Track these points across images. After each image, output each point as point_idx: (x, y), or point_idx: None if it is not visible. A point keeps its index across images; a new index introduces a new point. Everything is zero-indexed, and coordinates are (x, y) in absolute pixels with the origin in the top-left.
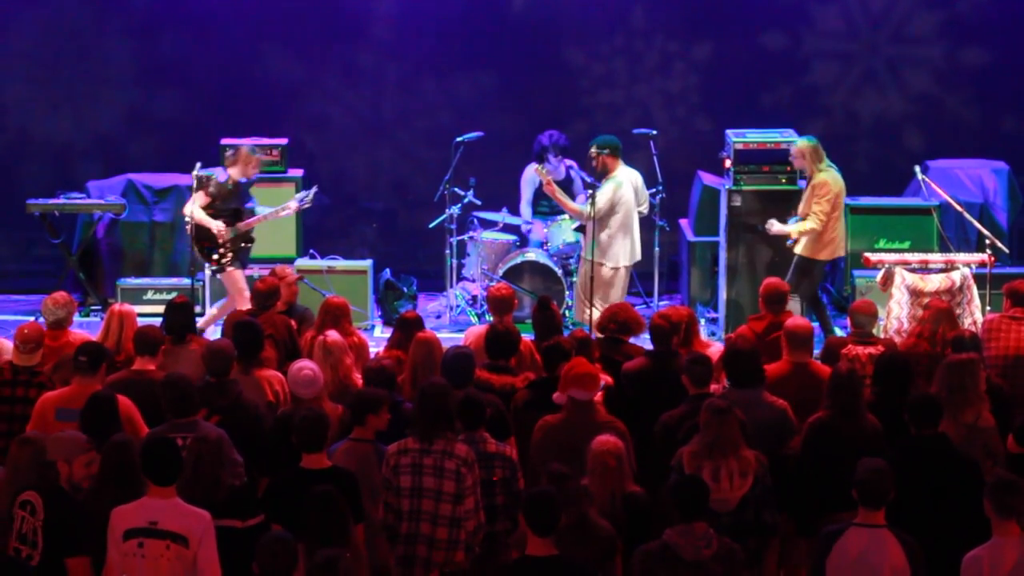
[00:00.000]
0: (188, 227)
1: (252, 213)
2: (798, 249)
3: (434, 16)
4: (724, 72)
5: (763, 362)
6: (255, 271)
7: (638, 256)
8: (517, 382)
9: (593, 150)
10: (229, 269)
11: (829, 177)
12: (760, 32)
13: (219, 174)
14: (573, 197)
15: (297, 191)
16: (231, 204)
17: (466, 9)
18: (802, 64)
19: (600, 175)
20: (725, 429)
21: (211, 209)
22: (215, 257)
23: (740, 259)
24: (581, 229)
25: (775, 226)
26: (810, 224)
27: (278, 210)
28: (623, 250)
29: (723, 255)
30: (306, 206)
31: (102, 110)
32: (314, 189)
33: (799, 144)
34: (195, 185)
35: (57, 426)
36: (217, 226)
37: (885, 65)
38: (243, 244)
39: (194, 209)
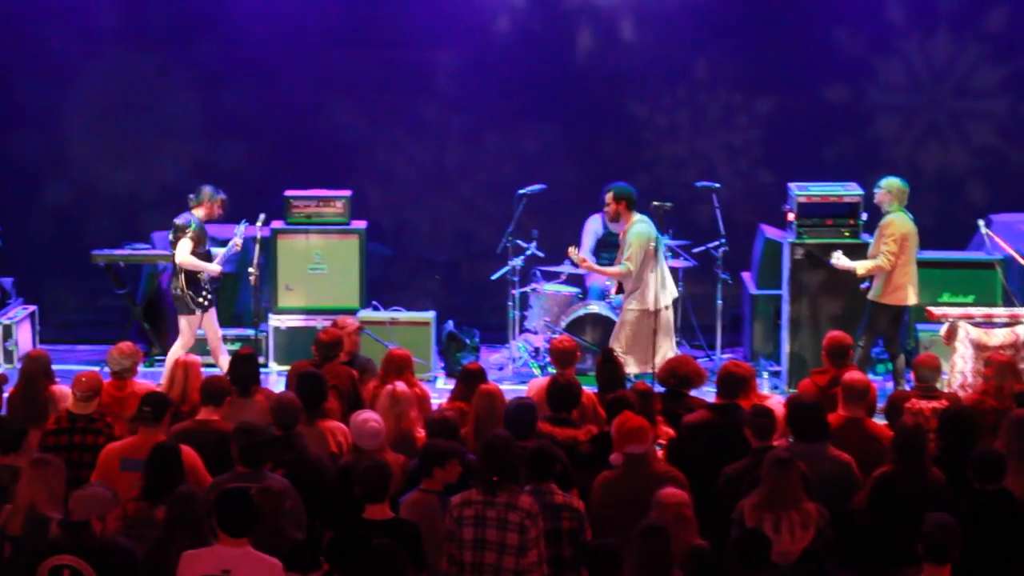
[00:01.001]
0: (180, 275)
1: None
2: (870, 294)
3: (498, 69)
4: (787, 125)
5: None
6: (318, 322)
7: (676, 293)
8: (579, 435)
9: (609, 198)
10: (198, 312)
11: (896, 218)
12: (823, 85)
13: (190, 218)
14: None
15: (362, 244)
16: (205, 247)
17: (530, 62)
18: (865, 117)
19: (612, 221)
20: (784, 481)
21: (194, 254)
22: (200, 300)
23: (803, 312)
24: (621, 289)
25: (841, 260)
26: (876, 262)
27: (230, 248)
28: (663, 292)
29: (786, 308)
30: (245, 236)
31: (167, 161)
32: (243, 222)
33: (888, 180)
34: (175, 233)
35: (122, 476)
36: (213, 268)
37: (948, 118)
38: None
39: (186, 257)
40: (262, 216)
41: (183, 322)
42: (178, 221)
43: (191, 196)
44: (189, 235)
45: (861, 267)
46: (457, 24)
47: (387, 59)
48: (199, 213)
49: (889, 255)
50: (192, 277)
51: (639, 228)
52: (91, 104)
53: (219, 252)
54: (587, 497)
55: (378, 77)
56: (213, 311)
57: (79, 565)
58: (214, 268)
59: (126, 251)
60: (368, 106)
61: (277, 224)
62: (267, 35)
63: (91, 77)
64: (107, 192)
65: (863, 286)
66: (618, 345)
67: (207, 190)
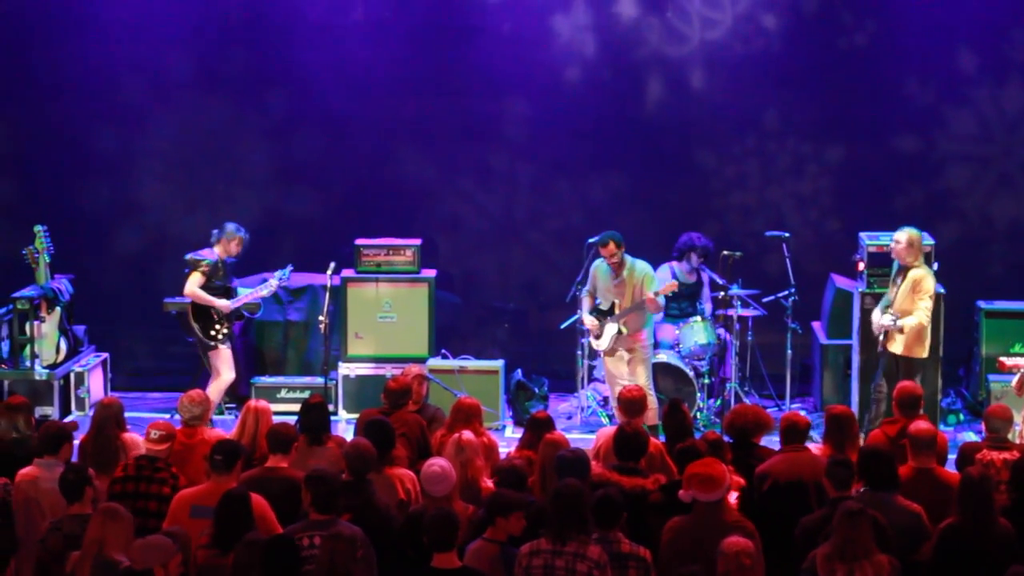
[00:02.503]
0: (188, 308)
1: (236, 292)
2: (896, 349)
3: (567, 118)
4: (857, 174)
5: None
6: (387, 371)
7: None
8: (647, 484)
9: (615, 248)
10: (221, 347)
11: (928, 274)
12: (894, 135)
13: (208, 254)
14: (702, 299)
15: (431, 292)
16: (221, 282)
17: (598, 111)
18: (936, 167)
19: (619, 266)
20: (855, 532)
21: (206, 288)
22: (212, 334)
23: (874, 362)
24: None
25: (886, 319)
26: (915, 320)
27: (259, 289)
28: None
29: (856, 358)
30: (284, 283)
31: (238, 210)
32: (289, 267)
33: (911, 232)
34: (187, 268)
35: (192, 523)
36: (222, 303)
37: (1020, 168)
38: (234, 321)
39: (194, 290)
40: (332, 264)
41: (211, 359)
42: (188, 256)
43: (215, 231)
44: (200, 270)
45: (907, 326)
46: (527, 73)
47: (457, 108)
48: (218, 250)
49: (927, 311)
50: (199, 310)
51: (648, 266)
52: (163, 152)
53: (244, 292)
54: (655, 546)
55: (448, 126)
56: (228, 350)
57: None
58: (223, 304)
59: None
60: (438, 155)
61: (347, 272)
62: (338, 84)
63: (163, 125)
64: (178, 240)
65: (880, 339)
66: (643, 382)
67: (229, 228)
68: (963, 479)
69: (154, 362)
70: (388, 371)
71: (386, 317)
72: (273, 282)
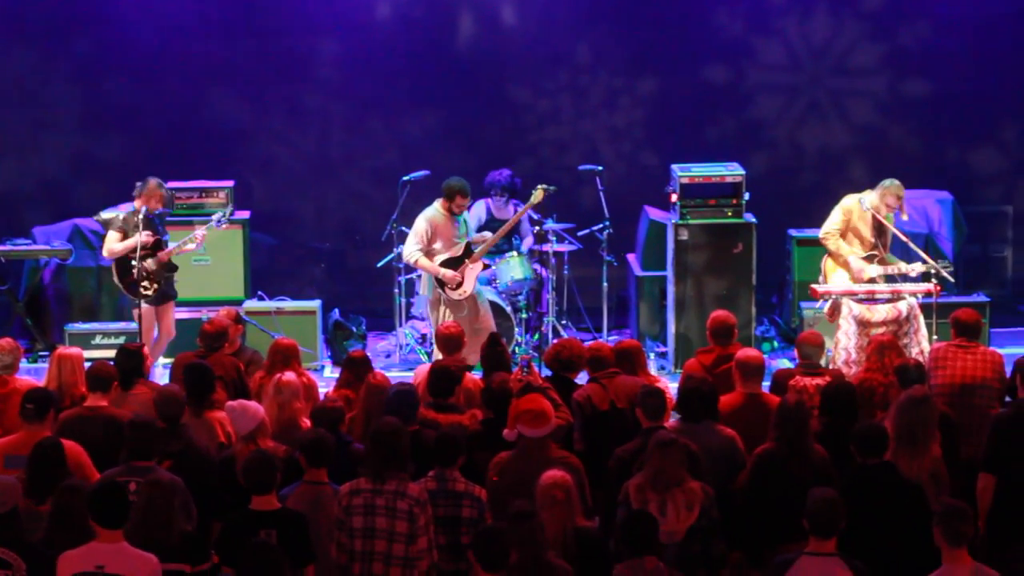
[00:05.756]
0: (112, 268)
1: (165, 246)
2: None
3: (379, 56)
4: (669, 106)
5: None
6: (203, 314)
7: None
8: (464, 419)
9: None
10: (145, 305)
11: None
12: (704, 66)
13: (124, 209)
14: (521, 236)
15: (245, 234)
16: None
17: (411, 48)
18: (746, 97)
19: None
20: (667, 462)
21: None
22: (140, 291)
23: (688, 293)
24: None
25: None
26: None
27: (185, 241)
28: None
29: (671, 289)
30: (222, 227)
31: (47, 155)
32: (221, 212)
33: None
34: (104, 227)
35: (5, 473)
36: (142, 238)
37: (828, 97)
38: (166, 275)
39: (112, 247)
40: (144, 208)
41: (135, 314)
42: (103, 215)
43: (139, 184)
44: (117, 227)
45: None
46: (337, 11)
47: (268, 48)
48: (137, 203)
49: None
50: (123, 268)
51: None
52: None
53: (173, 244)
54: (475, 481)
55: (259, 66)
56: (170, 305)
57: (12, 559)
58: (143, 238)
59: (6, 247)
60: (249, 95)
61: None
62: (146, 26)
63: None
64: None
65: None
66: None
67: (151, 182)
68: (780, 406)
69: None
70: (204, 314)
71: (200, 260)
72: (199, 232)
